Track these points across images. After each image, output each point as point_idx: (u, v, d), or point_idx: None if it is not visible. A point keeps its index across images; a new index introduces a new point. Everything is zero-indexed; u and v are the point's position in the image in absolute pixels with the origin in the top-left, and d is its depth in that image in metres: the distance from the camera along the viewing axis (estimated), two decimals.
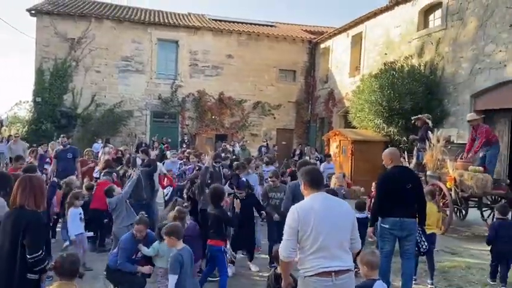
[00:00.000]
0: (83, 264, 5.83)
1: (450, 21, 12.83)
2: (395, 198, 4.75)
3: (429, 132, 9.42)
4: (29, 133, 17.86)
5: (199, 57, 20.77)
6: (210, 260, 5.25)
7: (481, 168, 8.23)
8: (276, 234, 6.19)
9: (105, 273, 4.95)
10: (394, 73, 13.24)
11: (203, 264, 5.57)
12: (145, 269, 4.70)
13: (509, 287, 5.51)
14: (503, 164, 10.60)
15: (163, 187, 8.45)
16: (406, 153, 10.42)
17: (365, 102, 13.51)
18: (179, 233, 4.27)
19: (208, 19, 22.54)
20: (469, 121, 9.24)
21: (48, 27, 18.75)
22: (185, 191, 7.33)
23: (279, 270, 3.85)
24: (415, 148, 10.43)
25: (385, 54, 15.74)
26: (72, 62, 19.05)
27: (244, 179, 6.65)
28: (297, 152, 18.54)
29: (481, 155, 8.79)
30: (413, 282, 5.40)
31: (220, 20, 22.42)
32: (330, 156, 13.43)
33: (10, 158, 11.17)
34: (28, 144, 13.03)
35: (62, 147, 9.43)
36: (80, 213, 6.05)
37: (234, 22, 22.55)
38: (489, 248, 5.69)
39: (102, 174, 7.84)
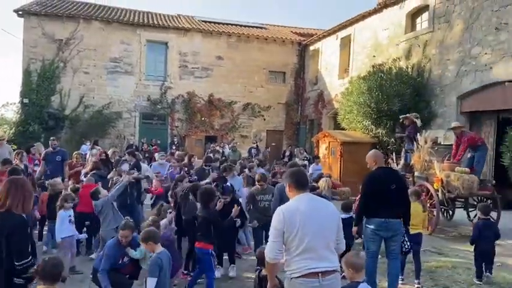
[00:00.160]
0: (72, 267, 5.80)
1: (437, 24, 12.98)
2: (380, 199, 4.80)
3: (417, 133, 9.53)
4: (16, 135, 17.59)
5: (189, 59, 20.71)
6: (199, 263, 5.23)
7: (467, 169, 8.35)
8: (261, 237, 6.23)
9: (91, 276, 4.91)
10: (382, 75, 13.37)
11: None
12: None
13: (496, 287, 5.59)
14: (489, 165, 10.74)
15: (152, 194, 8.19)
16: (394, 154, 10.55)
17: (354, 104, 13.61)
18: (156, 238, 4.21)
19: (198, 20, 22.51)
20: (452, 128, 9.35)
21: (36, 28, 18.51)
22: (170, 192, 7.29)
23: (263, 272, 3.84)
24: (403, 149, 10.56)
25: (374, 56, 15.87)
26: (60, 63, 18.84)
27: (229, 183, 6.62)
28: (287, 153, 18.60)
29: (469, 155, 8.92)
30: (401, 282, 5.46)
31: (210, 22, 22.40)
32: (318, 157, 13.57)
33: None
34: (16, 147, 12.83)
35: (51, 149, 9.35)
36: (70, 216, 5.98)
37: (223, 24, 22.56)
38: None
39: (88, 175, 7.73)
